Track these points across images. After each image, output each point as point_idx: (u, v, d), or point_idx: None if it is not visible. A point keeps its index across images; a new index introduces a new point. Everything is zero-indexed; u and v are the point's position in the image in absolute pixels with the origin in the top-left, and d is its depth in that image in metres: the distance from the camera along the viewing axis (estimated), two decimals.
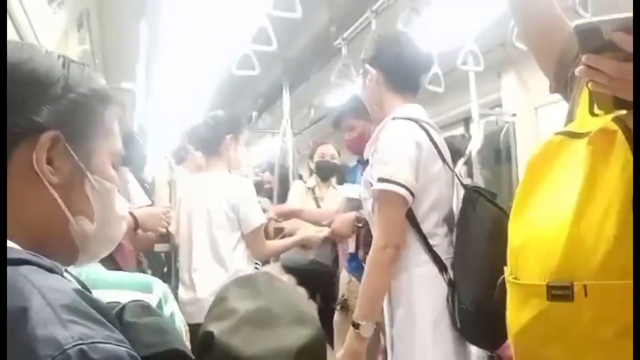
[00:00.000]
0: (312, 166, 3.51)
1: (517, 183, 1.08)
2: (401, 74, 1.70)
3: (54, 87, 0.62)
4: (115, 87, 3.60)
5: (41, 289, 0.50)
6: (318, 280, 3.10)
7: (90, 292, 0.60)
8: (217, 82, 4.96)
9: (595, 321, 0.86)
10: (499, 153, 3.88)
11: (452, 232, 1.63)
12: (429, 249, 1.58)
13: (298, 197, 3.40)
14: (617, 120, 0.87)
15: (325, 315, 3.46)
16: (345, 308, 2.57)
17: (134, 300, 0.64)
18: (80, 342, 0.46)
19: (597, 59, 0.79)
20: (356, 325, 1.53)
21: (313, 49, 4.23)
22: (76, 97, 0.64)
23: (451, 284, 1.56)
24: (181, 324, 1.14)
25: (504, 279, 1.00)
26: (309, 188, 3.45)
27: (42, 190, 0.61)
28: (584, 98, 0.96)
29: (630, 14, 0.73)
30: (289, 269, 2.74)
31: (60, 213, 0.63)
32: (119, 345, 0.49)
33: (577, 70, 0.82)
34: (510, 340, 0.99)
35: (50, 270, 0.55)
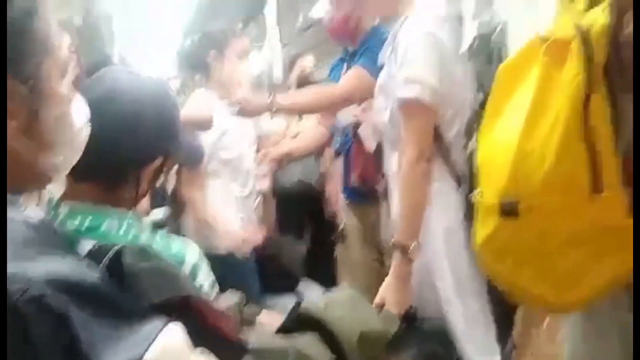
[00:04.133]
0: (292, 81, 3.22)
1: None
2: None
3: None
4: (92, 16, 3.46)
5: None
6: (306, 202, 2.90)
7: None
8: None
9: (540, 234, 0.89)
10: (491, 54, 3.78)
11: (469, 144, 1.50)
12: (448, 162, 1.49)
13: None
14: (577, 27, 0.81)
15: (320, 243, 2.84)
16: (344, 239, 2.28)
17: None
18: (46, 275, 0.46)
19: None
20: (404, 248, 1.43)
21: None
22: (8, 28, 0.55)
23: (468, 200, 1.46)
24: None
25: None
26: None
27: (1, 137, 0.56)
28: None
29: None
30: (274, 192, 2.58)
31: (26, 155, 0.60)
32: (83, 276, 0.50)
33: None
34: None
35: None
